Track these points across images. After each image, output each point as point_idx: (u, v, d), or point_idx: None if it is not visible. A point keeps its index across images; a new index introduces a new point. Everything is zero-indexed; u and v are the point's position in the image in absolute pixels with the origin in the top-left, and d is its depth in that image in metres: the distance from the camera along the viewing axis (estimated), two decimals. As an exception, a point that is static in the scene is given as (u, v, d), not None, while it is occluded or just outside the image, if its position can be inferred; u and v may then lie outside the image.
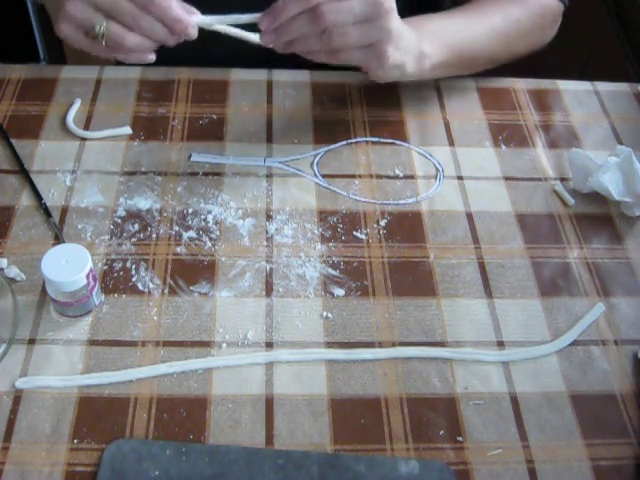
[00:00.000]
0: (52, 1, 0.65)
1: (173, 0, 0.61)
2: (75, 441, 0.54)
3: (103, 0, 0.60)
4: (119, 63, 0.66)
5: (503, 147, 0.79)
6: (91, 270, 0.58)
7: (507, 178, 0.76)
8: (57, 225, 0.68)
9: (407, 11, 0.77)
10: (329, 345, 0.61)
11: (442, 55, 0.73)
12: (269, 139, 0.78)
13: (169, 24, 0.61)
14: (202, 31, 0.63)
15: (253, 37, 0.65)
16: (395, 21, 0.64)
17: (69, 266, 0.57)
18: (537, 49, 0.84)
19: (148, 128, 0.78)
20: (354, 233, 0.69)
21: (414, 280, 0.66)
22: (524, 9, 0.80)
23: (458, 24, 0.77)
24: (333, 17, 0.61)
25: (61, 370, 0.58)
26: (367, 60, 0.66)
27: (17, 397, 0.56)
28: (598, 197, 0.74)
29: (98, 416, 0.56)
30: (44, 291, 0.62)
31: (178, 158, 0.75)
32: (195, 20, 0.62)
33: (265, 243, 0.68)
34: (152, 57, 0.64)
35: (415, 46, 0.70)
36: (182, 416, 0.56)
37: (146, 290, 0.64)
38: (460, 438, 0.56)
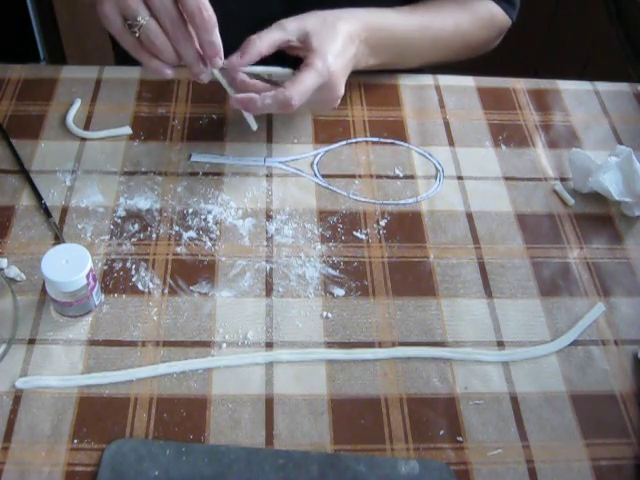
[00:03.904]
0: None
1: (216, 28, 0.61)
2: (75, 441, 0.54)
3: None
4: (119, 63, 0.66)
5: (503, 147, 0.79)
6: (91, 270, 0.58)
7: (507, 178, 0.76)
8: (57, 225, 0.68)
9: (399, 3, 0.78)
10: (329, 345, 0.61)
11: (377, 55, 0.75)
12: (269, 139, 0.78)
13: (204, 44, 0.61)
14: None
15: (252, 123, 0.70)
16: (342, 89, 0.69)
17: (69, 266, 0.57)
18: (477, 54, 0.86)
19: (148, 128, 0.78)
20: (354, 233, 0.69)
21: (414, 280, 0.66)
22: (470, 15, 0.81)
23: (402, 20, 0.77)
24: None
25: (61, 370, 0.58)
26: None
27: (17, 397, 0.56)
28: (598, 197, 0.74)
29: (98, 416, 0.56)
30: (44, 291, 0.62)
31: (178, 158, 0.75)
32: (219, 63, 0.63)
33: (265, 243, 0.68)
34: (170, 72, 0.63)
35: (354, 65, 0.72)
36: (182, 416, 0.56)
37: (146, 290, 0.64)
38: (460, 438, 0.56)
